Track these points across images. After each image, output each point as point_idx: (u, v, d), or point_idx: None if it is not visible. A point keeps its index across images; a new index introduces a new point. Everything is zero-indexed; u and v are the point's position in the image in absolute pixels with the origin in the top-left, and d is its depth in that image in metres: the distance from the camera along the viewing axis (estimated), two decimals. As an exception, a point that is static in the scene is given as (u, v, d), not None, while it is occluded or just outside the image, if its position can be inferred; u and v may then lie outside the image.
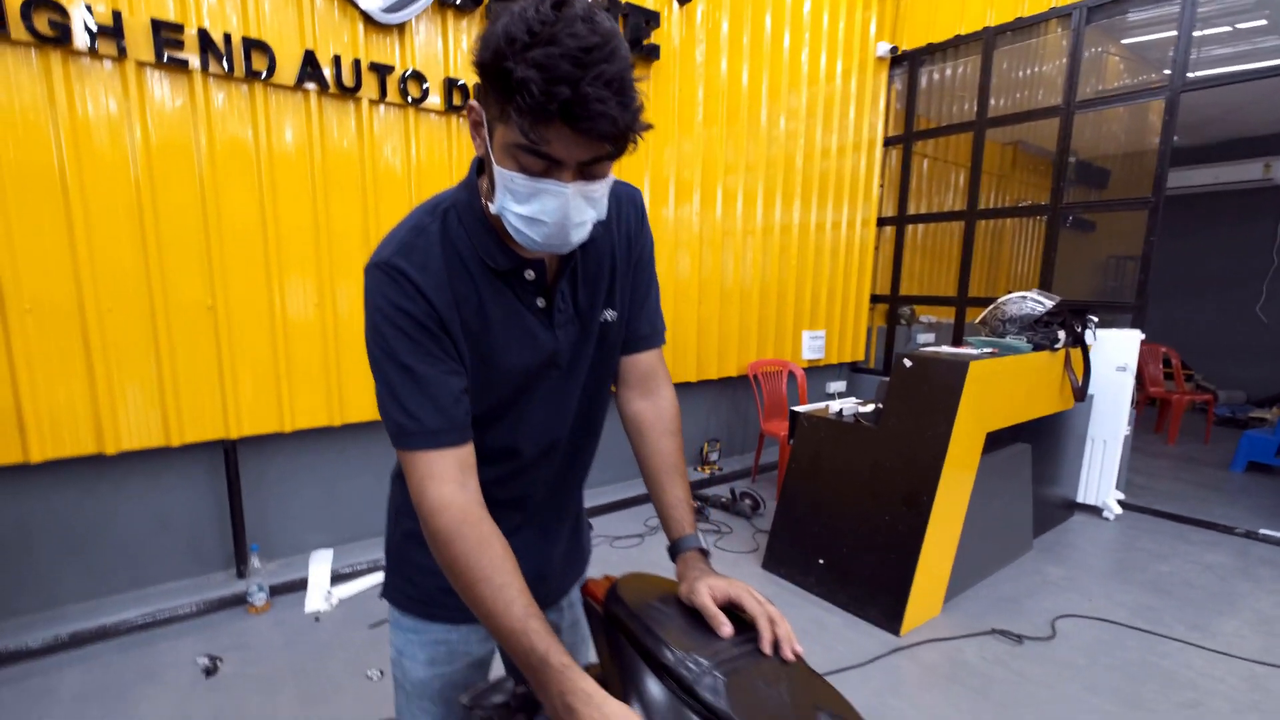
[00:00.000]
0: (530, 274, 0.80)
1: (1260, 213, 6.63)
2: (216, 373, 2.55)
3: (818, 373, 5.03)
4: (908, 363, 2.57)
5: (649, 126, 0.66)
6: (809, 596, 2.76)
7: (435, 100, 2.88)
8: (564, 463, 0.95)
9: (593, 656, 0.93)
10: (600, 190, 0.70)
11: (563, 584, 1.05)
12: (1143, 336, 3.58)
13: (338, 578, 2.78)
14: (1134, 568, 3.11)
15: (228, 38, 2.37)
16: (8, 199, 2.12)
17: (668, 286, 3.91)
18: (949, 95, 4.88)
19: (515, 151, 0.65)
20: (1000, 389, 2.70)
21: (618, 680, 0.70)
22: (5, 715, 1.98)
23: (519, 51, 0.59)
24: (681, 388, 4.16)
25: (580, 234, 0.72)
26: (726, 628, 0.73)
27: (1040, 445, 3.24)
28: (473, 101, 0.70)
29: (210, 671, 2.19)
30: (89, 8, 2.13)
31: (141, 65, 2.27)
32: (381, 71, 2.71)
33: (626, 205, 0.89)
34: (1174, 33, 3.59)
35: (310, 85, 2.57)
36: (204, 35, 2.33)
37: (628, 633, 0.73)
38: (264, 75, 2.46)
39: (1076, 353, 3.27)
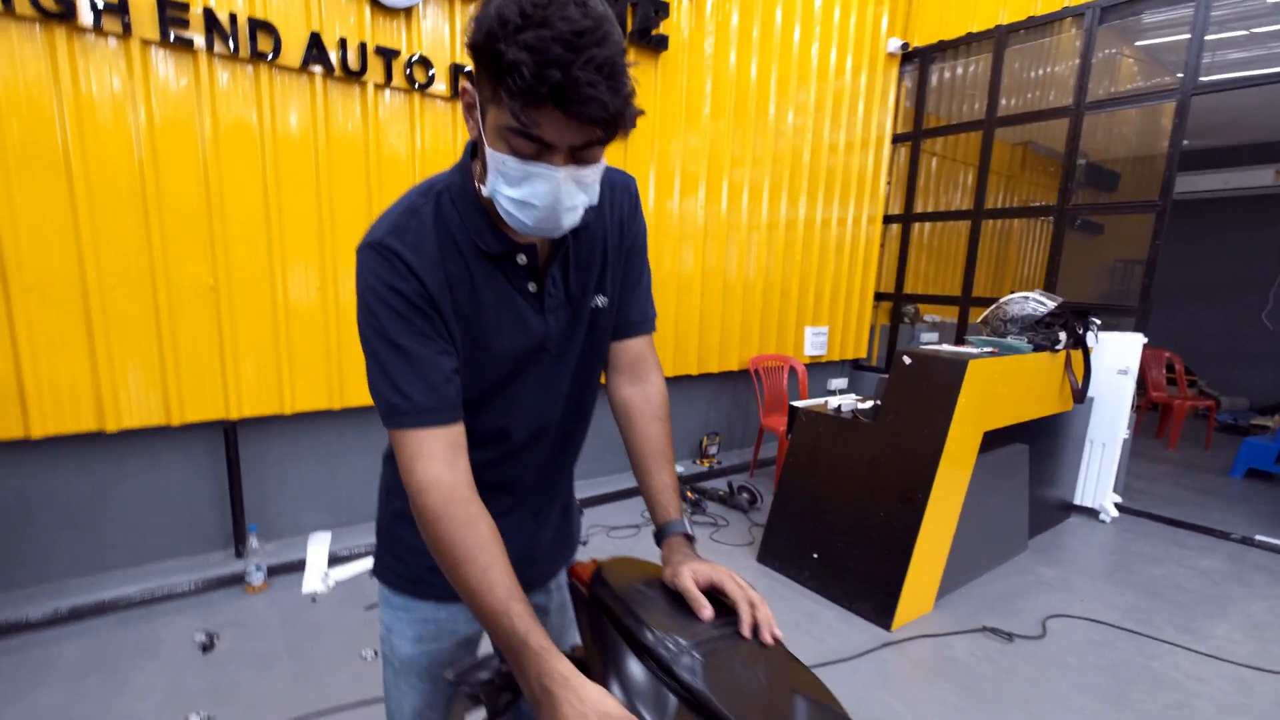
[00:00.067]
0: (522, 258, 0.81)
1: (1269, 219, 6.59)
2: (218, 353, 2.56)
3: (819, 369, 5.02)
4: (907, 360, 2.57)
5: (640, 112, 0.66)
6: (802, 590, 2.77)
7: (441, 86, 2.88)
8: (554, 447, 0.95)
9: (579, 639, 0.94)
10: (592, 175, 0.70)
11: (551, 567, 1.06)
12: (1145, 340, 3.57)
13: (335, 560, 2.80)
14: (1128, 570, 3.11)
15: (233, 18, 2.37)
16: (11, 176, 2.13)
17: (671, 279, 3.90)
18: (959, 93, 4.85)
19: (507, 134, 0.65)
20: (999, 389, 2.69)
21: (599, 661, 0.70)
22: (4, 684, 2.01)
23: (511, 33, 0.59)
24: (682, 381, 4.17)
25: (571, 218, 0.73)
26: (707, 610, 0.74)
27: (1039, 446, 3.24)
28: (466, 83, 0.70)
29: (207, 647, 2.21)
30: (95, -16, 2.13)
31: (146, 43, 2.27)
32: (388, 55, 2.71)
33: (620, 192, 0.90)
34: (1188, 35, 3.56)
35: (316, 68, 2.57)
36: (210, 14, 2.33)
37: (610, 614, 0.73)
38: (269, 57, 2.46)
39: (1077, 355, 3.26)
